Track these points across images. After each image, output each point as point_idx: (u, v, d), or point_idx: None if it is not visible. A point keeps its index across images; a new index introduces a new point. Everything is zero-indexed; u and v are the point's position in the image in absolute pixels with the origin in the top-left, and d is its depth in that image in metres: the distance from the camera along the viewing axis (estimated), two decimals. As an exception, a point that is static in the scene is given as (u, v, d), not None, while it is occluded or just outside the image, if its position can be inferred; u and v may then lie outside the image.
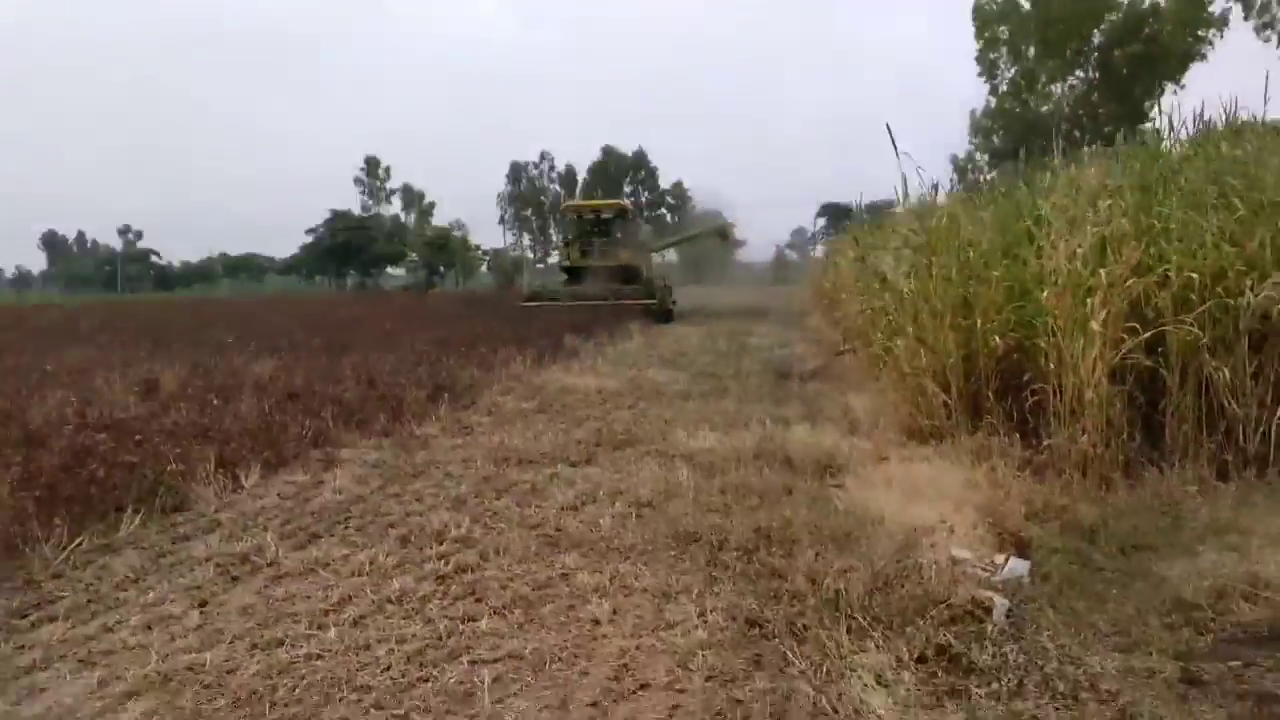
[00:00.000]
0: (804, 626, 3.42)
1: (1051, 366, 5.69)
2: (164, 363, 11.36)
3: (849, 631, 3.31)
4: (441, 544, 4.65)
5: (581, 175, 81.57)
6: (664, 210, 73.00)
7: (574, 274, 26.97)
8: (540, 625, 3.57)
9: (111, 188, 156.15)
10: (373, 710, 2.91)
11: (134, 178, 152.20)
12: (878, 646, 3.16)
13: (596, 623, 3.57)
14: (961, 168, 50.97)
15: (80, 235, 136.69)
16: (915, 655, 3.06)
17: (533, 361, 12.58)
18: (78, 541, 4.60)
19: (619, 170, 74.82)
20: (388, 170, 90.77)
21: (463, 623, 3.60)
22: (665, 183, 76.25)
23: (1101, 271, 5.29)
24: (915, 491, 4.69)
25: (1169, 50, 40.03)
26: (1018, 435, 5.90)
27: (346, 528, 5.06)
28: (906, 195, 7.83)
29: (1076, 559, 4.12)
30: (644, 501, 5.38)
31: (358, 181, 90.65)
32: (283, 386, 8.42)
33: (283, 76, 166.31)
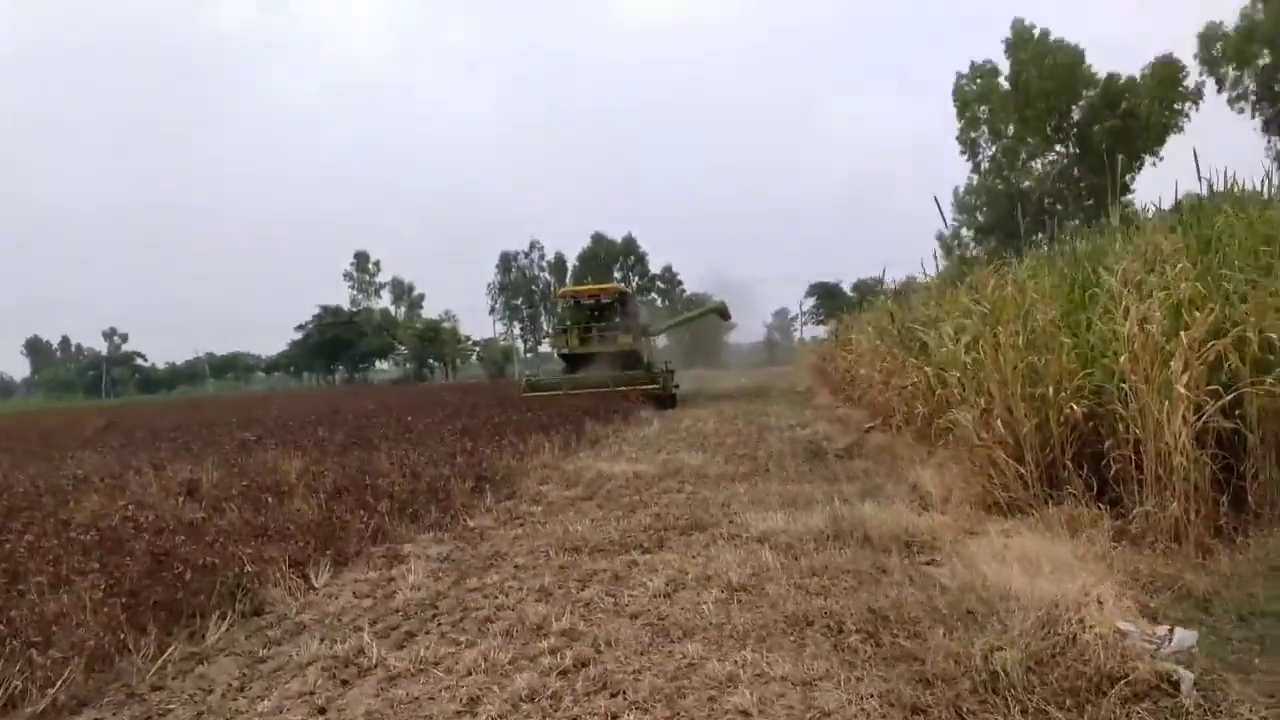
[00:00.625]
0: (970, 711, 3.30)
1: (1132, 432, 5.68)
2: (189, 463, 11.19)
3: (1024, 713, 3.20)
4: (547, 638, 4.51)
5: (571, 263, 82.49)
6: (654, 295, 73.85)
7: (573, 361, 26.40)
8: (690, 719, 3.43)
9: (95, 288, 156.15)
10: (554, 817, 2.76)
11: (118, 278, 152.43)
12: (1061, 727, 3.05)
13: (747, 714, 3.44)
14: (948, 244, 52.06)
15: (65, 340, 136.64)
16: (1107, 735, 2.95)
17: (559, 449, 12.51)
18: (170, 650, 4.43)
19: (609, 256, 75.83)
20: (377, 264, 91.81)
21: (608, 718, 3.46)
22: (655, 268, 77.43)
23: (1182, 335, 5.32)
24: (1031, 566, 4.60)
25: (1146, 124, 41.46)
26: (1100, 505, 5.86)
27: (440, 624, 4.91)
28: (935, 269, 7.95)
29: (1210, 631, 4.03)
30: (737, 585, 5.26)
31: (347, 276, 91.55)
32: (330, 483, 8.26)
33: (266, 171, 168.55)
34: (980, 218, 50.44)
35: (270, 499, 7.44)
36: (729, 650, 4.17)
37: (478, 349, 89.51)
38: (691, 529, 6.98)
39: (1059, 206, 48.41)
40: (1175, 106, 41.77)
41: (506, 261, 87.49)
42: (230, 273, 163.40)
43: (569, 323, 27.89)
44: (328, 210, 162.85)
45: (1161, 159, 43.72)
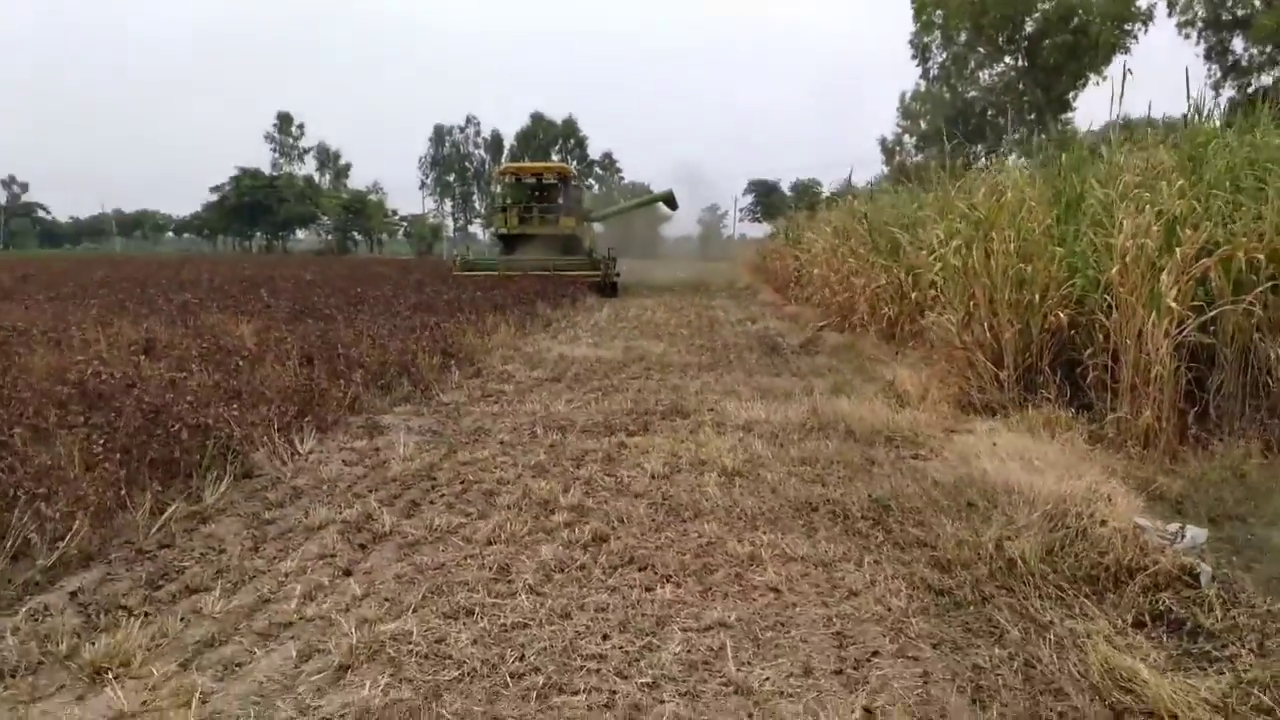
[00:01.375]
0: (989, 594, 3.47)
1: (1112, 342, 5.89)
2: (131, 321, 10.73)
3: (1043, 598, 3.38)
4: (556, 512, 4.54)
5: (509, 142, 79.94)
6: (592, 181, 72.27)
7: (510, 242, 25.17)
8: (722, 595, 3.52)
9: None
10: (617, 679, 2.82)
11: (20, 126, 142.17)
12: (1085, 613, 3.23)
13: (777, 591, 3.55)
14: (890, 149, 52.25)
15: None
16: (1132, 620, 3.14)
17: (515, 330, 12.39)
18: (172, 508, 4.31)
19: (548, 138, 73.57)
20: (301, 128, 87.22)
21: (642, 591, 3.53)
22: (594, 153, 75.64)
23: (1176, 250, 5.47)
24: (1026, 463, 4.80)
25: (1095, 42, 41.65)
26: (1073, 410, 6.11)
27: (443, 495, 4.90)
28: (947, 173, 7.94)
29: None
30: (732, 470, 5.36)
31: (268, 138, 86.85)
32: (297, 350, 8.01)
33: (188, 24, 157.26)
34: (924, 125, 50.58)
35: (240, 362, 7.18)
36: (742, 531, 4.27)
37: (405, 224, 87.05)
38: (672, 415, 7.05)
39: (1000, 119, 48.85)
40: (1125, 27, 42.02)
41: (440, 135, 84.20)
42: (140, 126, 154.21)
43: (508, 201, 26.36)
44: (247, 64, 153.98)
45: (1105, 78, 44.20)
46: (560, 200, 25.88)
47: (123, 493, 4.16)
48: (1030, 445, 5.21)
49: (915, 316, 8.90)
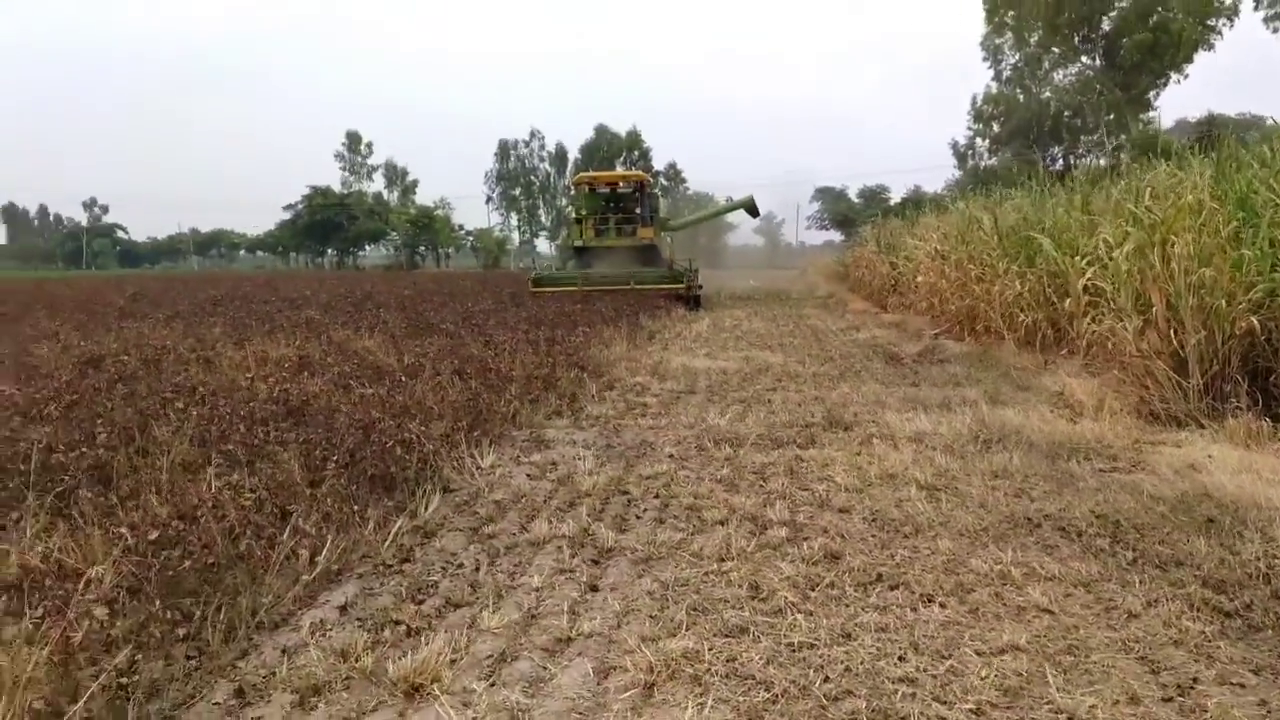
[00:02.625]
0: (1284, 615, 3.31)
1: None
2: (262, 338, 10.99)
3: (1350, 620, 3.20)
4: (767, 528, 4.48)
5: (573, 155, 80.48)
6: (658, 192, 71.98)
7: (584, 255, 23.62)
8: (994, 615, 3.40)
9: (78, 162, 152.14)
10: (938, 704, 2.74)
11: (102, 151, 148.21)
12: None
13: (1050, 612, 3.42)
14: (961, 154, 51.37)
15: (43, 209, 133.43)
16: None
17: (628, 343, 12.40)
18: (397, 523, 4.36)
19: (612, 150, 73.86)
20: (370, 146, 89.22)
21: (910, 610, 3.44)
22: (659, 164, 75.64)
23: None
24: (1255, 475, 4.60)
25: (1177, 39, 40.41)
26: (1270, 420, 5.86)
27: (645, 510, 4.88)
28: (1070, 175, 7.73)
29: None
30: (927, 484, 5.24)
31: (338, 157, 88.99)
32: (447, 366, 8.11)
33: (263, 49, 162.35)
34: (996, 128, 49.62)
35: (403, 378, 7.28)
36: (974, 548, 4.16)
37: (471, 238, 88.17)
38: (833, 427, 6.94)
39: (1077, 120, 47.69)
40: (1209, 22, 40.68)
41: (505, 150, 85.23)
42: (215, 149, 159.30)
43: (584, 212, 24.66)
44: (319, 89, 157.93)
45: (1187, 76, 42.91)
46: (637, 210, 24.34)
47: (356, 508, 4.21)
48: (1250, 458, 4.99)
49: (1061, 324, 8.67)
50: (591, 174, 32.88)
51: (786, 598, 3.54)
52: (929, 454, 5.95)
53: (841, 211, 62.00)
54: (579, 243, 24.17)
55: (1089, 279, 7.39)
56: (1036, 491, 5.09)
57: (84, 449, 4.51)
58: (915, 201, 40.07)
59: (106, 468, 4.38)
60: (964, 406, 7.48)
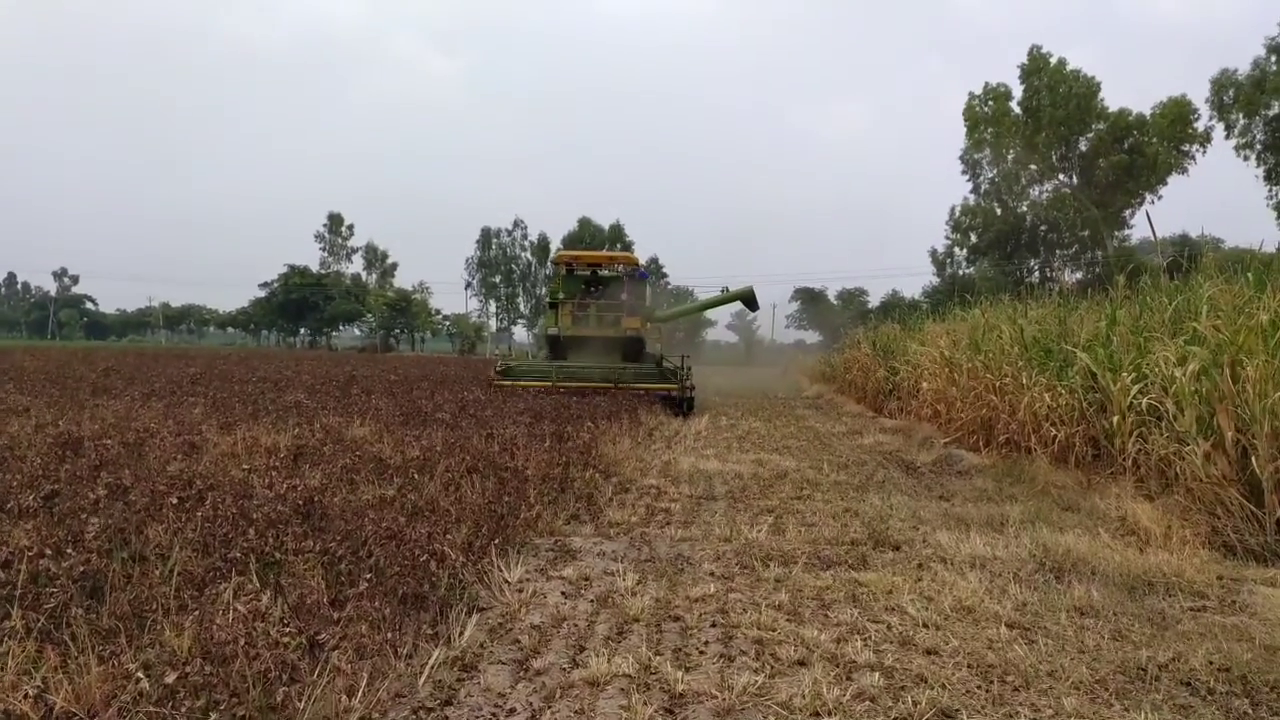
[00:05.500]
0: None
1: None
2: (244, 421, 10.36)
3: None
4: (852, 674, 3.93)
5: (555, 244, 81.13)
6: (648, 275, 72.13)
7: (561, 345, 20.70)
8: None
9: (50, 231, 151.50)
10: None
11: (75, 220, 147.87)
12: None
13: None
14: (940, 261, 52.30)
15: (11, 276, 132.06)
16: None
17: (630, 440, 11.90)
18: (435, 655, 3.77)
19: (595, 242, 74.43)
20: (350, 228, 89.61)
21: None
22: (641, 257, 75.96)
23: None
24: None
25: (1153, 162, 41.84)
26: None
27: (706, 642, 4.32)
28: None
29: None
30: (1008, 621, 4.73)
31: (318, 238, 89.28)
32: (458, 461, 7.55)
33: (244, 127, 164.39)
34: (974, 238, 50.68)
35: (414, 474, 6.71)
36: (1101, 707, 3.64)
37: (448, 323, 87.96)
38: (881, 545, 6.45)
39: (1053, 235, 48.89)
40: (1183, 148, 42.23)
41: (488, 237, 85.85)
42: (190, 224, 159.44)
43: (561, 295, 21.40)
44: (298, 171, 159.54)
45: (1161, 197, 44.28)
46: (623, 296, 21.20)
47: (390, 636, 3.62)
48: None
49: (1100, 441, 8.31)
50: (573, 252, 29.16)
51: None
52: (998, 583, 5.46)
53: (821, 312, 62.64)
54: (554, 330, 21.10)
55: (1144, 398, 7.04)
56: (1135, 635, 4.59)
57: (70, 551, 3.92)
58: (898, 305, 40.51)
59: (98, 576, 3.76)
60: (1012, 526, 7.03)
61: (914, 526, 7.10)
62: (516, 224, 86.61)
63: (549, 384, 17.69)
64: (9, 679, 2.74)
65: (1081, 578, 5.62)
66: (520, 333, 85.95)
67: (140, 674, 2.61)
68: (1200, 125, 41.71)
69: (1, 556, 3.61)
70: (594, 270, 22.18)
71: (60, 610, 3.29)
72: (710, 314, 52.50)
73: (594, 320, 20.80)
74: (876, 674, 3.91)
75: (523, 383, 17.93)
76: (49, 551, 3.74)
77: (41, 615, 3.25)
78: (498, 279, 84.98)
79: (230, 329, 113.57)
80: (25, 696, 2.64)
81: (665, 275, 78.79)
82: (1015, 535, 6.67)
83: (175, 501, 5.00)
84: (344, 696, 3.12)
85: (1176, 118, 41.48)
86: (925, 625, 4.65)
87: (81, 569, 3.65)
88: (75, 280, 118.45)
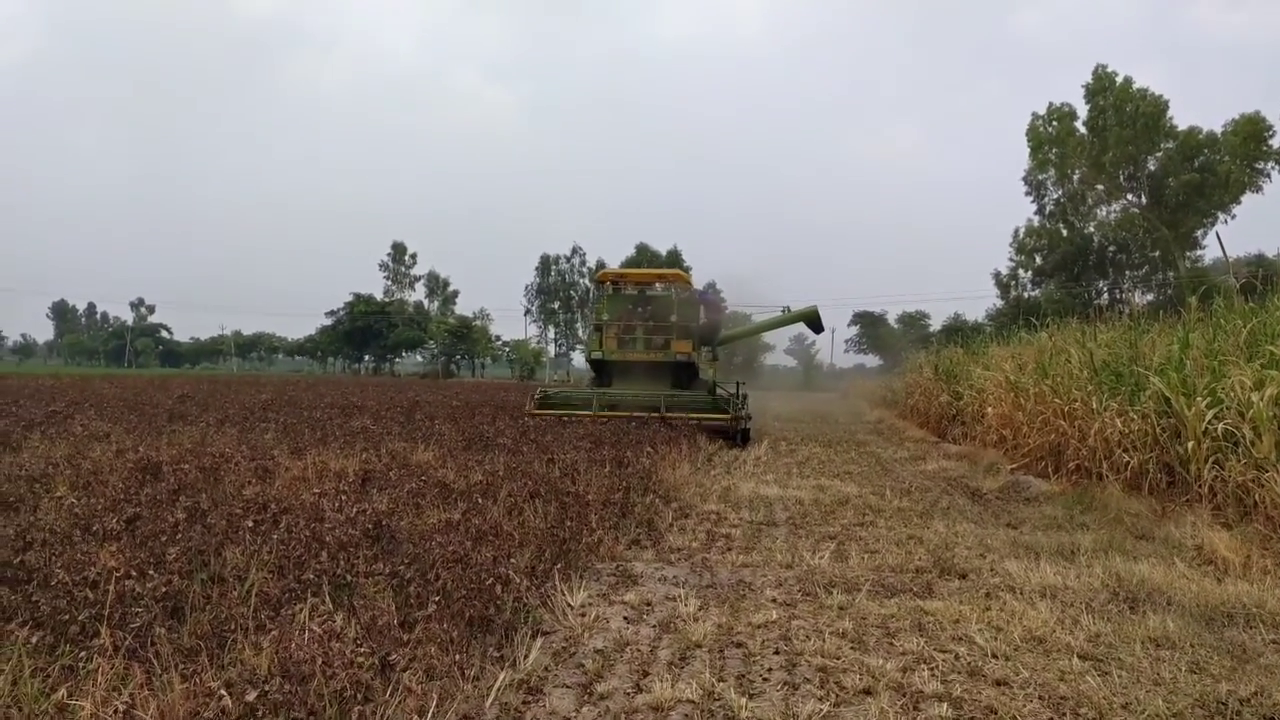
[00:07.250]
0: None
1: None
2: (315, 446, 10.62)
3: None
4: (920, 704, 3.88)
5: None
6: (701, 294, 72.26)
7: (604, 370, 19.15)
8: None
9: (125, 259, 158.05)
10: None
11: (150, 249, 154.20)
12: None
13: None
14: (1004, 284, 51.32)
15: (90, 306, 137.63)
16: None
17: (690, 465, 11.90)
18: (499, 678, 3.82)
19: (654, 267, 74.96)
20: (414, 256, 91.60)
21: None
22: (698, 283, 76.15)
23: None
24: None
25: (1225, 181, 40.59)
26: None
27: (768, 669, 4.30)
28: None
29: None
30: (1081, 652, 4.62)
31: (382, 266, 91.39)
32: (521, 485, 7.66)
33: (300, 157, 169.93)
34: (1039, 260, 49.65)
35: (478, 499, 6.82)
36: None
37: (507, 349, 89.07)
38: (947, 573, 6.34)
39: (1122, 256, 47.65)
40: (1257, 165, 40.89)
41: (546, 264, 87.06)
42: (260, 254, 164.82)
43: (605, 316, 19.42)
44: (363, 201, 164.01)
45: (1234, 216, 42.87)
46: (673, 317, 18.85)
47: (458, 659, 3.69)
48: None
49: (1175, 467, 8.07)
50: (618, 270, 26.72)
51: (986, 804, 2.94)
52: (1070, 613, 5.33)
53: (881, 336, 61.89)
54: (597, 354, 19.07)
55: (1219, 423, 6.83)
56: (1214, 668, 4.44)
57: (153, 572, 4.08)
58: (961, 329, 39.82)
59: (180, 596, 3.91)
60: (1083, 555, 6.85)
61: (981, 554, 6.97)
62: (575, 251, 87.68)
63: (588, 414, 16.30)
64: (100, 694, 2.87)
65: (1157, 608, 5.46)
66: (578, 359, 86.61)
67: (223, 691, 2.71)
68: (1275, 142, 40.41)
69: (90, 577, 3.78)
70: (642, 288, 20.27)
71: (145, 629, 3.43)
72: (768, 338, 51.64)
73: (640, 343, 18.74)
74: (945, 704, 3.85)
75: (560, 412, 16.84)
76: (133, 573, 3.90)
77: (128, 634, 3.40)
78: (556, 305, 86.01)
79: (298, 356, 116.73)
80: (115, 712, 2.76)
81: (724, 299, 78.86)
82: (1087, 564, 6.50)
83: (251, 525, 5.16)
84: (415, 717, 3.19)
85: (1250, 135, 40.23)
86: (994, 655, 4.56)
87: (164, 589, 3.79)
88: (151, 310, 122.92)
